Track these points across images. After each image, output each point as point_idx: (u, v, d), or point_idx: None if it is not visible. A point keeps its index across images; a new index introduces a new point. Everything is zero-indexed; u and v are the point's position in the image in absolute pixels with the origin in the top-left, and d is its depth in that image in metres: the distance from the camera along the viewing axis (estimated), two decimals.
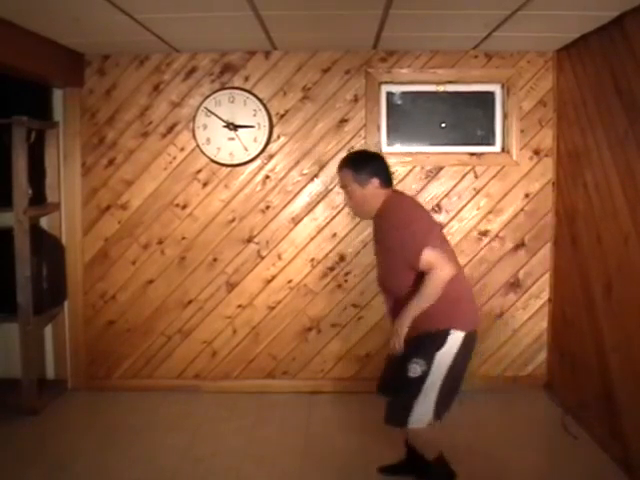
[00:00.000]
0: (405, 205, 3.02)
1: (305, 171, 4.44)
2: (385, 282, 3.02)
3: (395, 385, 2.91)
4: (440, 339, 2.82)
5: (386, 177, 2.99)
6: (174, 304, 4.54)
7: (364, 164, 2.97)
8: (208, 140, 4.40)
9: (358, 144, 4.40)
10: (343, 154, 4.36)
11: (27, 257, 4.03)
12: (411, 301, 2.79)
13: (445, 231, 4.42)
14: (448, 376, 2.84)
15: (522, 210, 4.45)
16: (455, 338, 2.84)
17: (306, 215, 4.48)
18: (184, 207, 4.48)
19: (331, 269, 4.49)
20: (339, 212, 4.47)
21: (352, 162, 3.00)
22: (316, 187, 4.46)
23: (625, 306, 3.36)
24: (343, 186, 3.02)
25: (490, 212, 4.45)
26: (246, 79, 4.40)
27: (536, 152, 4.41)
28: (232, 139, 4.39)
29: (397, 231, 2.85)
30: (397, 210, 2.94)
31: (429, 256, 2.74)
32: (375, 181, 2.93)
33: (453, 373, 2.85)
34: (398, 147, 4.50)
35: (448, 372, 2.83)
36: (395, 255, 2.85)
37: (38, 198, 4.31)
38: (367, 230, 4.42)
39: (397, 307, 2.90)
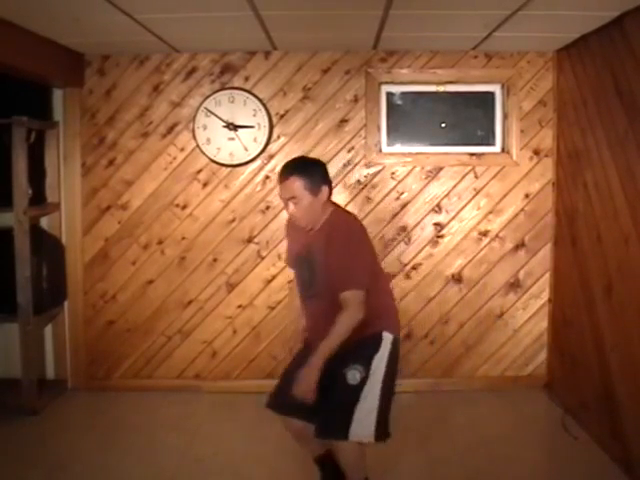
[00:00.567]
0: (356, 228, 2.86)
1: None
2: (319, 291, 2.81)
3: (331, 395, 2.71)
4: (375, 343, 2.75)
5: (331, 186, 2.83)
6: (174, 304, 4.54)
7: (315, 171, 2.78)
8: (208, 140, 4.40)
9: (358, 144, 4.41)
10: (343, 154, 4.39)
11: (27, 257, 4.03)
12: (322, 343, 2.63)
13: (445, 231, 4.46)
14: (385, 382, 2.74)
15: (522, 210, 4.45)
16: (386, 340, 2.78)
17: None
18: (184, 207, 4.48)
19: None
20: None
21: (302, 169, 2.76)
22: None
23: (625, 306, 3.36)
24: (290, 197, 2.74)
25: (490, 212, 4.45)
26: (246, 79, 4.40)
27: (536, 152, 4.41)
28: (232, 139, 4.39)
29: (344, 253, 2.70)
30: (351, 231, 2.79)
31: (353, 296, 2.64)
32: (325, 189, 2.76)
33: (388, 379, 2.76)
34: (398, 147, 4.50)
35: (384, 377, 2.74)
36: (328, 270, 2.71)
37: (38, 198, 4.31)
38: (367, 230, 4.41)
39: (324, 321, 2.72)
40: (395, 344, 2.82)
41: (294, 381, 2.71)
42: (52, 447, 3.68)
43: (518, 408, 4.26)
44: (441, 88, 4.45)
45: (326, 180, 2.79)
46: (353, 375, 2.68)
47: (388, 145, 4.48)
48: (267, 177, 4.46)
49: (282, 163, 4.37)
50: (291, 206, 2.76)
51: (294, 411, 2.85)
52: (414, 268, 4.49)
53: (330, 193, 2.81)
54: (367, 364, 2.71)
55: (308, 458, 3.54)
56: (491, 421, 4.05)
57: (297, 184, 2.71)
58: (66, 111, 4.44)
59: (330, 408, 2.72)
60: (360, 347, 2.72)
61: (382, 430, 2.75)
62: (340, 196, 4.43)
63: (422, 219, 4.47)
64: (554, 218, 4.42)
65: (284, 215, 4.43)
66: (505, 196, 4.44)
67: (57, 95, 4.44)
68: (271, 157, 4.44)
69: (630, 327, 3.29)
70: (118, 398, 4.42)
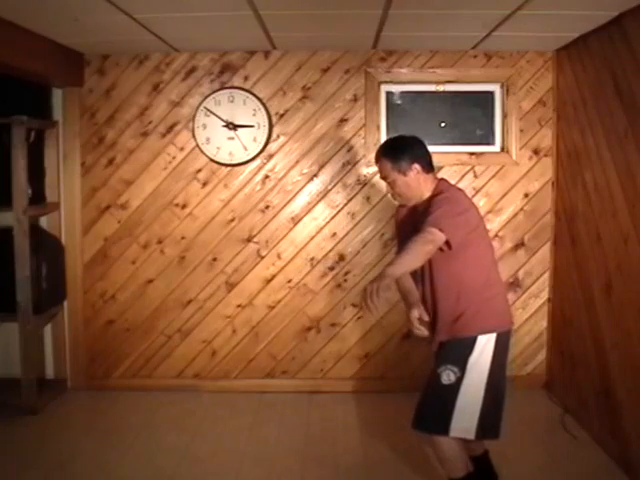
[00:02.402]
0: (458, 195, 2.80)
1: (305, 171, 4.44)
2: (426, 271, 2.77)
3: (427, 392, 2.79)
4: (469, 345, 2.72)
5: (427, 161, 2.82)
6: (174, 304, 4.54)
7: (401, 151, 2.80)
8: (208, 140, 4.40)
9: (357, 144, 4.41)
10: (343, 154, 4.40)
11: (27, 257, 4.03)
12: (401, 252, 2.57)
13: None
14: (490, 380, 2.73)
15: (522, 210, 4.45)
16: (484, 342, 2.72)
17: (306, 215, 4.48)
18: (184, 207, 4.48)
19: (331, 269, 4.49)
20: (339, 212, 4.47)
21: (389, 151, 2.82)
22: (316, 187, 4.46)
23: (624, 305, 3.36)
24: (383, 177, 2.83)
25: (490, 212, 4.45)
26: (246, 79, 4.40)
27: (535, 152, 4.41)
28: (232, 139, 4.39)
29: (447, 205, 2.65)
30: (451, 195, 2.74)
31: (433, 232, 2.54)
32: (416, 167, 2.77)
33: (494, 377, 2.75)
34: None
35: (489, 376, 2.73)
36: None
37: (38, 198, 4.31)
38: (367, 230, 4.43)
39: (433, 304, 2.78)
40: (500, 341, 2.76)
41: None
42: (52, 447, 3.68)
43: (517, 408, 4.24)
44: (440, 88, 4.45)
45: (416, 157, 2.79)
46: (447, 375, 2.70)
47: None
48: (266, 177, 4.46)
49: (281, 163, 4.45)
50: (387, 186, 2.85)
51: None
52: None
53: (425, 168, 2.79)
54: (462, 365, 2.70)
55: (308, 458, 3.55)
56: None
57: (386, 166, 2.79)
58: (66, 110, 4.43)
59: (428, 403, 2.77)
60: (455, 348, 2.74)
61: (488, 427, 2.78)
62: (339, 195, 4.44)
63: None
64: (553, 218, 4.43)
65: (284, 215, 4.47)
66: (504, 195, 4.44)
67: (57, 95, 4.44)
68: (270, 157, 4.44)
69: (629, 326, 3.29)
70: (118, 397, 4.42)
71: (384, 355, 4.51)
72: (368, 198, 4.45)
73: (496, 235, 4.46)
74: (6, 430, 3.86)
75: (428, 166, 2.82)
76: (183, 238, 4.50)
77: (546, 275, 4.48)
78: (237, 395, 4.46)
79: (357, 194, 4.45)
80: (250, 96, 4.38)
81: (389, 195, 2.93)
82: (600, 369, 3.65)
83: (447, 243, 2.59)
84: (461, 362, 2.70)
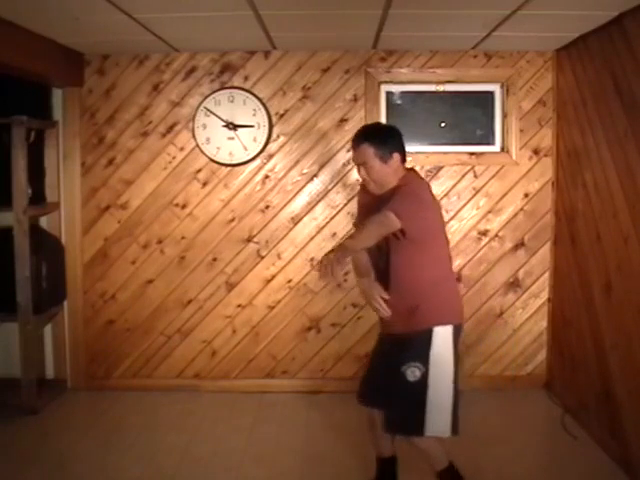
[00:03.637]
0: (422, 187, 2.85)
1: (305, 171, 4.44)
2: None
3: (395, 394, 2.76)
4: (427, 338, 2.71)
5: (404, 152, 2.85)
6: (174, 304, 4.54)
7: (386, 139, 2.80)
8: (208, 140, 4.40)
9: None
10: (343, 154, 4.39)
11: (27, 257, 4.03)
12: (350, 236, 2.73)
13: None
14: (455, 375, 2.73)
15: (522, 210, 4.45)
16: (441, 334, 2.72)
17: (306, 215, 4.48)
18: (184, 207, 4.48)
19: None
20: (339, 212, 4.47)
21: (374, 137, 2.79)
22: (316, 187, 4.46)
23: (625, 306, 3.36)
24: (361, 162, 2.79)
25: (490, 212, 4.46)
26: (246, 79, 4.40)
27: (535, 152, 4.41)
28: (232, 139, 4.39)
29: (407, 196, 2.70)
30: (414, 188, 2.78)
31: (389, 215, 2.61)
32: (397, 156, 2.79)
33: (456, 374, 2.74)
34: None
35: (454, 370, 2.73)
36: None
37: (38, 198, 4.31)
38: None
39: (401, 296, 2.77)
40: (456, 334, 2.77)
41: (379, 375, 2.84)
42: (52, 447, 3.68)
43: (518, 408, 4.27)
44: (440, 88, 4.45)
45: (397, 147, 2.82)
46: (412, 372, 2.69)
47: None
48: (267, 176, 4.46)
49: (281, 163, 4.44)
50: (362, 171, 2.81)
51: (376, 402, 2.89)
52: None
53: (403, 160, 2.84)
54: (425, 359, 2.69)
55: (308, 458, 3.54)
56: (491, 421, 4.05)
57: (368, 151, 2.76)
58: (66, 110, 4.43)
59: (400, 406, 2.74)
60: (414, 343, 2.72)
61: (456, 423, 2.76)
62: (339, 195, 4.44)
63: None
64: (553, 217, 4.43)
65: (284, 215, 4.47)
66: (504, 195, 4.44)
67: (57, 94, 4.44)
68: (270, 156, 4.44)
69: (629, 326, 3.29)
70: (118, 398, 4.42)
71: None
72: None
73: (496, 235, 4.47)
74: (6, 430, 3.86)
75: (404, 158, 2.86)
76: (183, 238, 4.50)
77: (546, 275, 4.48)
78: (237, 395, 4.46)
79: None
80: (250, 96, 4.38)
81: (360, 179, 2.88)
82: (600, 369, 3.65)
83: (402, 231, 2.63)
84: (423, 356, 2.69)
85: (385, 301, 2.79)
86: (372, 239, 2.70)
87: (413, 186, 2.80)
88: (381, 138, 2.80)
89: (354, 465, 3.47)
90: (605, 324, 3.60)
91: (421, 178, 2.99)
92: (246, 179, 4.46)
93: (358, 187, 4.35)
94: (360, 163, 2.81)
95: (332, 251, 2.67)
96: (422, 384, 2.68)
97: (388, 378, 2.77)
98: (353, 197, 4.44)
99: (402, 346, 2.73)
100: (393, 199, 2.68)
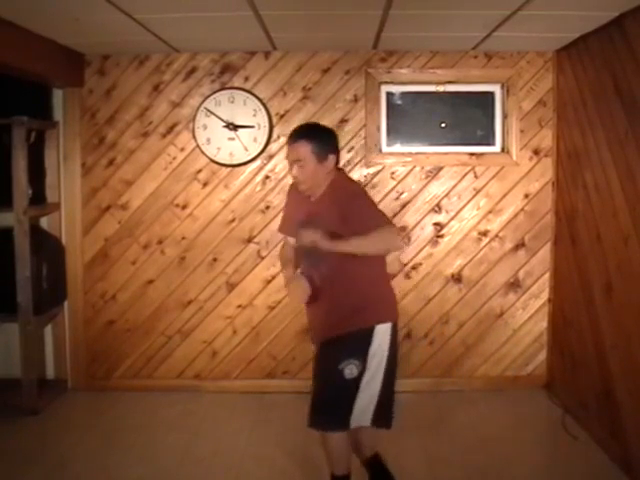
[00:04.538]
0: (361, 188, 2.95)
1: None
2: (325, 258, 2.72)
3: (326, 389, 2.80)
4: (367, 336, 2.75)
5: (339, 156, 2.86)
6: (174, 304, 4.54)
7: (324, 139, 2.79)
8: (208, 140, 4.40)
9: (358, 144, 4.41)
10: (343, 154, 4.39)
11: (27, 257, 4.04)
12: (353, 239, 2.60)
13: (445, 231, 4.47)
14: (387, 370, 2.78)
15: (522, 210, 4.45)
16: (381, 332, 2.77)
17: None
18: (184, 207, 4.48)
19: None
20: None
21: (314, 135, 2.77)
22: None
23: (625, 306, 3.36)
24: (296, 160, 2.74)
25: (490, 212, 4.46)
26: (246, 79, 4.40)
27: (536, 152, 4.41)
28: (232, 139, 4.39)
29: (359, 199, 2.75)
30: (357, 187, 2.89)
31: (391, 229, 2.70)
32: (332, 158, 2.78)
33: (390, 367, 2.80)
34: (398, 147, 4.50)
35: (387, 366, 2.78)
36: (352, 225, 2.63)
37: (38, 198, 4.31)
38: None
39: (336, 302, 2.76)
40: (394, 332, 2.82)
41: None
42: (52, 447, 3.68)
43: (518, 408, 4.26)
44: (441, 88, 4.45)
45: (334, 149, 2.80)
46: (350, 370, 2.72)
47: (388, 145, 4.48)
48: (267, 177, 4.46)
49: (282, 163, 4.44)
50: (295, 169, 2.77)
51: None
52: (414, 268, 4.49)
53: (337, 162, 2.82)
54: (363, 357, 2.73)
55: (308, 458, 3.54)
56: (491, 421, 4.05)
57: (305, 148, 2.73)
58: (66, 111, 4.44)
59: (328, 399, 2.78)
60: (353, 342, 2.74)
61: (383, 416, 2.81)
62: None
63: (422, 219, 4.47)
64: (554, 218, 4.43)
65: None
66: (505, 196, 4.44)
67: (57, 95, 4.44)
68: (271, 157, 4.44)
69: (630, 327, 3.29)
70: (118, 398, 4.42)
71: None
72: None
73: (496, 235, 4.47)
74: (7, 430, 3.86)
75: (338, 161, 2.83)
76: (183, 238, 4.50)
77: (546, 275, 4.48)
78: (238, 395, 4.46)
79: None
80: (250, 96, 4.38)
81: (291, 176, 2.85)
82: (600, 369, 3.65)
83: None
84: (362, 354, 2.72)
85: (328, 303, 2.76)
86: (370, 251, 2.66)
87: (355, 187, 2.87)
88: (320, 137, 2.78)
89: (354, 465, 3.47)
90: (605, 324, 3.60)
91: (351, 178, 3.06)
92: (246, 179, 4.46)
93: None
94: (294, 160, 2.76)
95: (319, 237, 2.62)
96: (357, 380, 2.73)
97: (322, 378, 2.82)
98: None
99: (340, 345, 2.75)
100: (351, 209, 2.66)
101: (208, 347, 4.56)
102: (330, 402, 2.78)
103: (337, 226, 2.67)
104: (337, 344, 2.76)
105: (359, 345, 2.75)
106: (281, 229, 3.17)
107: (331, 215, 2.71)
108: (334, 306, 2.77)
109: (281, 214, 4.39)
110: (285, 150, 4.36)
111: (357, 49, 4.33)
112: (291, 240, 3.02)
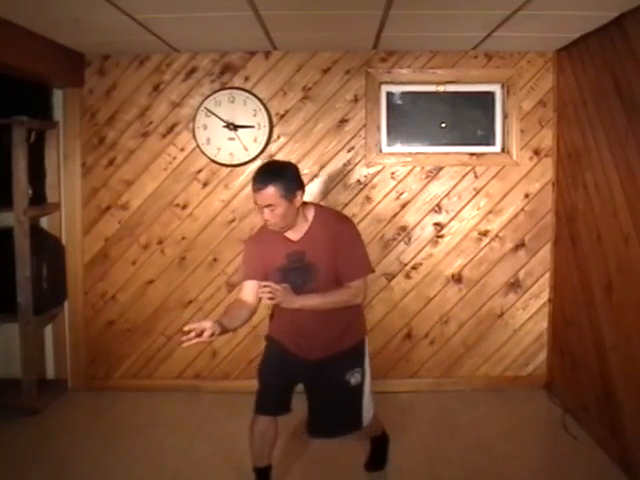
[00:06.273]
0: (352, 221, 3.07)
1: (305, 171, 4.43)
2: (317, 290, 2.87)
3: (337, 401, 3.01)
4: (363, 346, 3.07)
5: (304, 188, 2.83)
6: (174, 304, 4.54)
7: (291, 178, 2.76)
8: (208, 140, 4.40)
9: (358, 144, 4.41)
10: (343, 154, 4.40)
11: (27, 257, 4.04)
12: (326, 295, 2.82)
13: (445, 231, 4.47)
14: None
15: (522, 210, 4.45)
16: (366, 340, 3.12)
17: None
18: (184, 207, 4.48)
19: None
20: None
21: (279, 178, 2.70)
22: (316, 187, 4.46)
23: (625, 306, 3.36)
24: (267, 205, 2.70)
25: (490, 212, 4.46)
26: (246, 79, 4.40)
27: (536, 152, 4.41)
28: (232, 139, 4.39)
29: (359, 242, 2.94)
30: (351, 223, 2.99)
31: (362, 284, 2.91)
32: (300, 194, 2.77)
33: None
34: (398, 147, 4.50)
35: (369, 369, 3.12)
36: (343, 265, 2.84)
37: (38, 198, 4.31)
38: (367, 230, 4.41)
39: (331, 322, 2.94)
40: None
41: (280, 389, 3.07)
42: (52, 447, 3.69)
43: (518, 408, 4.26)
44: (441, 88, 4.45)
45: (300, 184, 2.79)
46: (355, 378, 3.00)
47: (388, 145, 4.48)
48: None
49: None
50: (267, 213, 2.74)
51: (282, 409, 3.08)
52: (414, 268, 4.49)
53: (303, 196, 2.82)
54: (362, 364, 3.05)
55: (308, 458, 3.55)
56: (491, 421, 4.05)
57: (273, 192, 2.68)
58: (66, 111, 4.44)
59: (339, 411, 3.03)
60: (352, 353, 3.02)
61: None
62: (340, 196, 4.44)
63: (422, 219, 4.47)
64: (554, 218, 4.42)
65: None
66: (505, 196, 4.44)
67: (57, 95, 4.44)
68: (271, 157, 4.44)
69: (630, 327, 3.29)
70: (118, 398, 4.42)
71: (384, 355, 4.50)
72: (368, 198, 4.45)
73: (496, 235, 4.47)
74: (6, 430, 3.86)
75: (304, 193, 2.83)
76: (184, 238, 4.50)
77: (546, 275, 4.48)
78: (238, 396, 4.44)
79: (357, 194, 4.45)
80: (250, 96, 4.38)
81: (264, 221, 2.82)
82: (601, 369, 3.65)
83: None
84: (360, 362, 3.03)
85: (326, 323, 2.92)
86: (330, 307, 2.87)
87: (351, 225, 2.97)
88: (284, 178, 2.73)
89: (354, 465, 3.47)
90: (606, 324, 3.59)
91: (338, 212, 3.25)
92: (247, 179, 4.46)
93: (358, 187, 4.42)
94: (265, 206, 2.73)
95: (287, 295, 2.79)
96: (361, 385, 3.02)
97: (331, 392, 3.02)
98: (353, 198, 4.45)
99: (343, 359, 2.98)
100: (347, 250, 2.85)
101: (208, 347, 4.56)
102: (341, 411, 3.03)
103: (329, 259, 2.83)
104: (340, 358, 2.96)
105: (358, 354, 3.04)
106: (248, 276, 2.96)
107: (325, 248, 2.82)
108: (333, 326, 2.94)
109: None
110: (285, 150, 4.42)
111: (357, 49, 4.33)
112: (252, 287, 2.95)
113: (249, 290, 2.94)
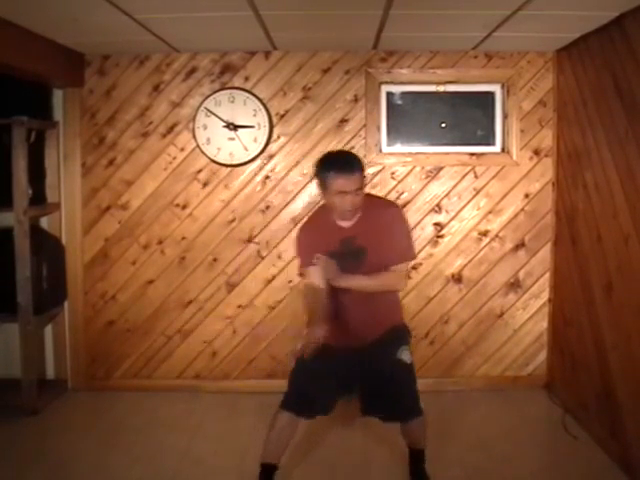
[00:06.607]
0: (394, 203, 3.27)
1: (305, 171, 4.44)
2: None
3: (404, 381, 2.97)
4: (405, 329, 3.13)
5: None
6: (174, 304, 4.54)
7: (362, 163, 2.96)
8: (208, 140, 4.40)
9: (358, 144, 4.41)
10: None
11: (27, 257, 4.03)
12: (372, 278, 2.91)
13: (445, 231, 4.47)
14: None
15: (522, 210, 4.45)
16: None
17: (306, 215, 4.46)
18: (184, 207, 4.48)
19: None
20: None
21: (361, 163, 2.93)
22: (316, 187, 4.44)
23: (625, 306, 3.36)
24: (356, 189, 2.84)
25: (490, 212, 4.46)
26: (246, 79, 4.40)
27: (536, 152, 4.41)
28: (232, 139, 4.39)
29: (406, 227, 3.10)
30: (389, 203, 3.19)
31: (405, 268, 3.07)
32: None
33: None
34: (398, 147, 4.50)
35: None
36: (391, 248, 2.95)
37: (38, 198, 4.31)
38: None
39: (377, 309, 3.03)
40: None
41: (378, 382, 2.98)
42: (52, 447, 3.68)
43: (518, 408, 4.26)
44: (441, 88, 4.45)
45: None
46: (407, 355, 2.98)
47: (388, 145, 4.48)
48: (267, 177, 4.46)
49: (282, 163, 4.44)
50: (353, 197, 2.85)
51: (379, 408, 3.04)
52: (414, 268, 4.48)
53: None
54: (408, 343, 3.05)
55: (308, 458, 3.55)
56: (491, 421, 4.05)
57: (360, 177, 2.87)
58: (66, 111, 4.44)
59: (397, 390, 2.96)
60: (399, 333, 3.07)
61: None
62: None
63: (422, 219, 4.47)
64: (554, 218, 4.42)
65: (284, 215, 4.46)
66: (505, 196, 4.44)
67: (57, 95, 4.44)
68: (271, 157, 4.44)
69: (630, 327, 3.29)
70: (118, 398, 4.42)
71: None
72: None
73: (496, 235, 4.47)
74: (6, 430, 3.86)
75: None
76: (183, 238, 4.50)
77: (547, 275, 4.48)
78: (238, 396, 4.46)
79: None
80: (250, 96, 4.38)
81: (344, 208, 2.89)
82: (601, 369, 3.65)
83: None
84: (406, 340, 3.06)
85: (371, 307, 2.99)
86: (372, 290, 2.97)
87: (397, 209, 3.17)
88: (361, 163, 2.94)
89: (355, 465, 3.47)
90: (606, 324, 3.59)
91: (381, 197, 3.46)
92: (247, 179, 4.46)
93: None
94: (355, 190, 2.84)
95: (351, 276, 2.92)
96: (412, 364, 3.02)
97: (387, 372, 2.95)
98: None
99: (389, 338, 2.99)
100: (395, 234, 2.99)
101: (208, 347, 4.56)
102: (402, 390, 2.98)
103: (379, 244, 2.93)
104: (387, 338, 2.99)
105: (402, 333, 3.08)
106: (312, 263, 2.99)
107: (375, 233, 2.94)
108: (376, 309, 3.01)
109: (281, 214, 4.45)
110: (285, 150, 4.42)
111: (357, 49, 4.33)
112: (316, 275, 3.01)
113: (317, 275, 3.00)
